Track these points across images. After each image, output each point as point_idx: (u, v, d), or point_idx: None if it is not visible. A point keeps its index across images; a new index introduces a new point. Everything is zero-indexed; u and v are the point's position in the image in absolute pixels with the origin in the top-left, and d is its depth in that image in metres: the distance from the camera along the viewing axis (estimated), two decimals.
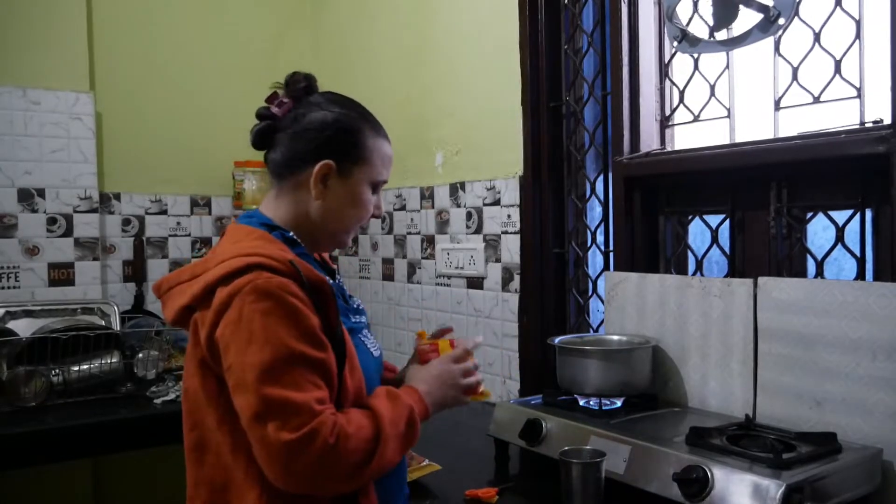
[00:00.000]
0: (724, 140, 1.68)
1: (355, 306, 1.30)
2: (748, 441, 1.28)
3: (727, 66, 1.68)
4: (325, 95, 1.26)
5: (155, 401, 2.07)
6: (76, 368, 2.07)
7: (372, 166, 1.23)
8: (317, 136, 1.20)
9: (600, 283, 1.97)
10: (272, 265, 1.06)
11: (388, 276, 2.70)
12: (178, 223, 2.91)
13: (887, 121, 1.34)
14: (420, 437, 1.32)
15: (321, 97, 1.25)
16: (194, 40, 2.94)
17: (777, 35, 1.55)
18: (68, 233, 2.62)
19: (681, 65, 1.82)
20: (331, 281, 1.24)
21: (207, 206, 2.98)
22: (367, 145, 1.22)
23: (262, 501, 1.06)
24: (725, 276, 1.65)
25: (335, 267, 1.39)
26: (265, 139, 1.25)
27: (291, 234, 1.21)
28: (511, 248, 2.12)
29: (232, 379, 1.03)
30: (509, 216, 2.13)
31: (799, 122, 1.55)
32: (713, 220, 1.70)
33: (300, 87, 1.24)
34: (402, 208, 2.60)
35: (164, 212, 2.88)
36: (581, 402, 1.58)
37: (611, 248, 1.92)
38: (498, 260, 2.17)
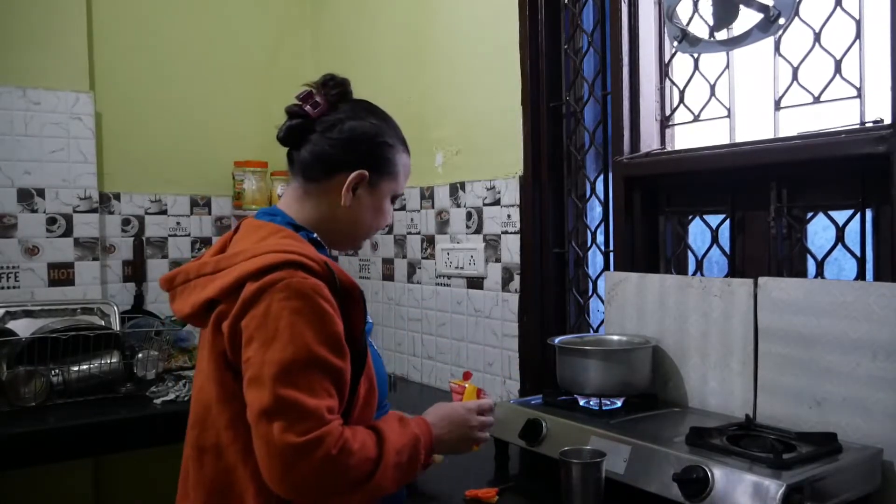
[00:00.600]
0: (724, 140, 1.68)
1: None
2: (748, 441, 1.28)
3: (727, 66, 1.68)
4: (361, 104, 1.27)
5: (155, 401, 2.07)
6: (76, 368, 2.07)
7: (397, 180, 1.28)
8: (355, 146, 1.22)
9: (600, 283, 1.97)
10: (308, 265, 1.06)
11: (388, 276, 2.70)
12: (178, 223, 2.91)
13: (887, 121, 1.34)
14: None
15: (358, 105, 1.26)
16: (194, 40, 2.94)
17: (777, 35, 1.55)
18: (68, 233, 2.61)
19: (681, 65, 1.82)
20: None
21: (207, 206, 2.98)
22: (397, 160, 1.26)
23: (257, 493, 1.06)
24: (725, 276, 1.65)
25: None
26: (296, 137, 1.24)
27: (315, 235, 1.22)
28: (511, 248, 2.12)
29: (249, 371, 1.02)
30: (509, 216, 2.13)
31: (799, 122, 1.55)
32: (713, 220, 1.70)
33: (336, 91, 1.24)
34: (402, 208, 2.60)
35: (163, 212, 2.88)
36: (581, 402, 1.58)
37: (611, 248, 1.92)
38: (498, 260, 2.17)
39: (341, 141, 1.21)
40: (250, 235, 1.17)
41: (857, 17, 1.43)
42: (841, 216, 1.46)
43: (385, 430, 1.09)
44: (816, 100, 1.51)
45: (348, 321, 1.09)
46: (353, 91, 1.28)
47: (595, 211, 2.02)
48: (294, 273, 1.04)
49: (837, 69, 1.46)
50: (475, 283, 2.27)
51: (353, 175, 1.21)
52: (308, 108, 1.22)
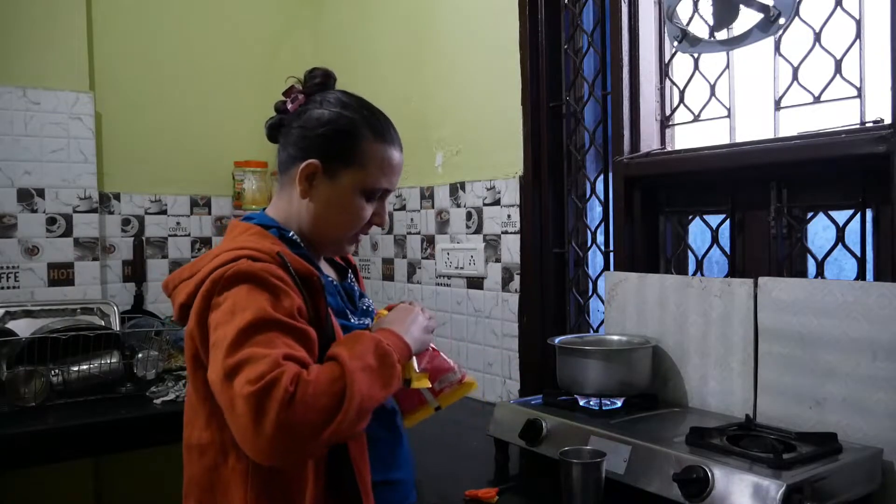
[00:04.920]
0: (724, 140, 1.68)
1: (364, 308, 1.29)
2: (748, 441, 1.28)
3: (727, 66, 1.68)
4: (336, 94, 1.23)
5: (155, 401, 2.07)
6: (76, 368, 2.07)
7: (364, 172, 1.18)
8: (308, 134, 1.18)
9: (600, 283, 1.97)
10: (258, 256, 1.06)
11: (388, 276, 2.70)
12: (178, 223, 2.91)
13: (887, 120, 1.34)
14: (421, 434, 1.32)
15: (332, 95, 1.23)
16: (194, 40, 2.94)
17: (777, 35, 1.55)
18: (68, 233, 2.61)
19: (681, 65, 1.82)
20: (330, 278, 1.24)
21: (207, 206, 2.98)
22: (360, 149, 1.18)
23: (245, 497, 1.06)
24: (725, 276, 1.65)
25: (349, 267, 1.38)
26: (273, 133, 1.24)
27: (292, 234, 1.20)
28: (511, 248, 2.12)
29: (214, 351, 1.00)
30: (509, 216, 2.13)
31: (799, 122, 1.55)
32: (713, 220, 1.70)
33: (315, 82, 1.23)
34: (402, 208, 2.60)
35: (163, 212, 2.88)
36: (581, 402, 1.58)
37: (611, 248, 1.92)
38: (498, 260, 2.17)
39: (300, 130, 1.19)
40: (226, 238, 1.19)
41: (857, 17, 1.43)
42: (841, 216, 1.46)
43: (337, 351, 1.04)
44: (816, 100, 1.51)
45: (315, 311, 1.08)
46: (336, 83, 1.26)
47: (595, 211, 2.02)
48: (244, 262, 1.04)
49: (837, 69, 1.46)
50: (475, 283, 2.27)
51: (304, 164, 1.17)
52: (289, 103, 1.22)
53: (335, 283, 1.25)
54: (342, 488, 1.08)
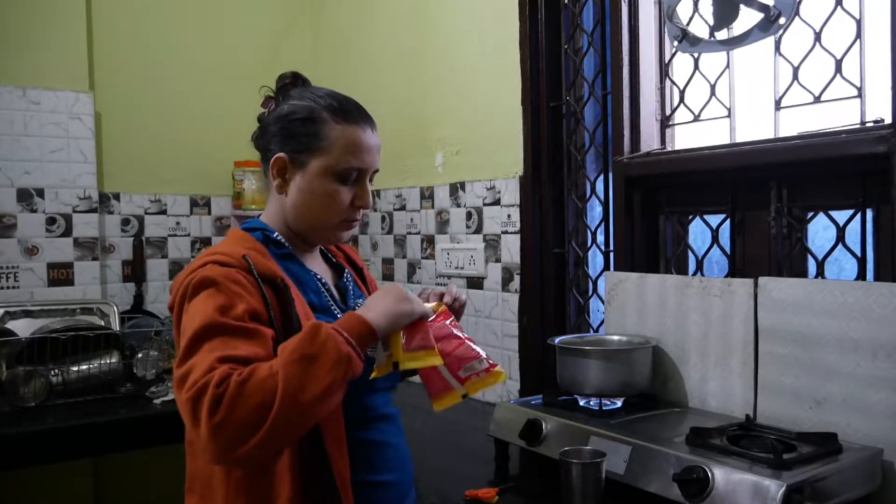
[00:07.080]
0: (724, 140, 1.68)
1: (356, 307, 1.29)
2: (748, 441, 1.28)
3: (727, 66, 1.68)
4: (299, 88, 1.25)
5: (154, 401, 2.07)
6: (76, 368, 2.07)
7: (329, 155, 1.17)
8: (273, 129, 1.21)
9: (600, 283, 1.97)
10: (225, 261, 1.09)
11: (388, 276, 2.69)
12: (178, 223, 2.91)
13: (888, 120, 1.34)
14: (421, 434, 1.31)
15: (294, 90, 1.24)
16: (194, 40, 2.94)
17: (777, 35, 1.55)
18: (67, 233, 2.61)
19: (681, 64, 1.82)
20: (318, 275, 1.24)
21: (207, 206, 2.98)
22: (322, 133, 1.17)
23: (227, 494, 1.09)
24: (725, 276, 1.65)
25: (354, 268, 1.38)
26: (257, 143, 1.28)
27: (276, 234, 1.21)
28: (511, 248, 2.12)
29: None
30: (509, 216, 2.13)
31: (799, 121, 1.55)
32: (713, 220, 1.70)
33: (285, 83, 1.26)
34: (402, 208, 2.60)
35: (163, 212, 2.88)
36: (581, 402, 1.57)
37: (611, 248, 1.92)
38: (498, 260, 2.17)
39: (265, 130, 1.23)
40: None
41: (858, 17, 1.43)
42: (841, 216, 1.46)
43: (281, 345, 1.02)
44: (817, 100, 1.51)
45: (283, 310, 1.09)
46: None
47: (595, 211, 2.02)
48: (209, 267, 1.07)
49: (838, 69, 1.46)
50: (475, 283, 2.26)
51: (271, 160, 1.20)
52: (266, 112, 1.25)
53: (323, 280, 1.25)
54: (321, 486, 1.08)
